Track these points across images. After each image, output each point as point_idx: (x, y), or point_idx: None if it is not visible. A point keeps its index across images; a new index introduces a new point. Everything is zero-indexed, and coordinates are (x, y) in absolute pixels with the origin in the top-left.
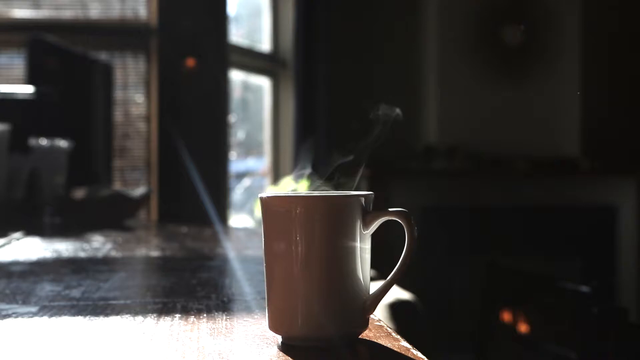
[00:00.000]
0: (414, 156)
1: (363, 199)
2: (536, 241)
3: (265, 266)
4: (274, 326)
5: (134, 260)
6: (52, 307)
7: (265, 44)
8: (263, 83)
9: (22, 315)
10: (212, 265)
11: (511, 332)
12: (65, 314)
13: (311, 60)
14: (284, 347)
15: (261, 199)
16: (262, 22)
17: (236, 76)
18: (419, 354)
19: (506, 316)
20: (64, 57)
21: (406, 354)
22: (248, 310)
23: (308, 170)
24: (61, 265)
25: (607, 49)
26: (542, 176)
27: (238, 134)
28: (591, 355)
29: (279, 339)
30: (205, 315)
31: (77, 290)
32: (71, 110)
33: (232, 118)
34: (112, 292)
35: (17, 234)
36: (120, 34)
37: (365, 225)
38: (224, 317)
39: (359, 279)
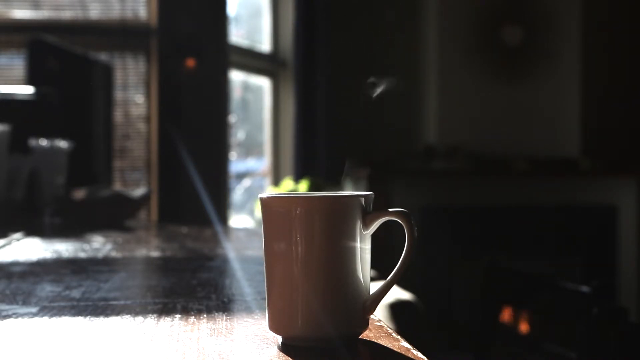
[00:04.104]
0: (414, 156)
1: (363, 199)
2: (536, 241)
3: (266, 266)
4: (274, 326)
5: (134, 260)
6: (53, 308)
7: (265, 44)
8: (263, 83)
9: (22, 315)
10: (212, 266)
11: (511, 332)
12: (65, 315)
13: (311, 60)
14: (284, 348)
15: (261, 199)
16: (262, 23)
17: (236, 76)
18: (419, 354)
19: (506, 316)
20: (64, 58)
21: (406, 354)
22: (248, 310)
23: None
24: (61, 266)
25: (607, 48)
26: (542, 176)
27: (238, 134)
28: (591, 355)
29: (279, 339)
30: (205, 315)
31: (77, 290)
32: (71, 110)
33: (232, 118)
34: (112, 292)
35: (17, 235)
36: (120, 35)
37: (365, 225)
38: (224, 318)
39: (359, 279)
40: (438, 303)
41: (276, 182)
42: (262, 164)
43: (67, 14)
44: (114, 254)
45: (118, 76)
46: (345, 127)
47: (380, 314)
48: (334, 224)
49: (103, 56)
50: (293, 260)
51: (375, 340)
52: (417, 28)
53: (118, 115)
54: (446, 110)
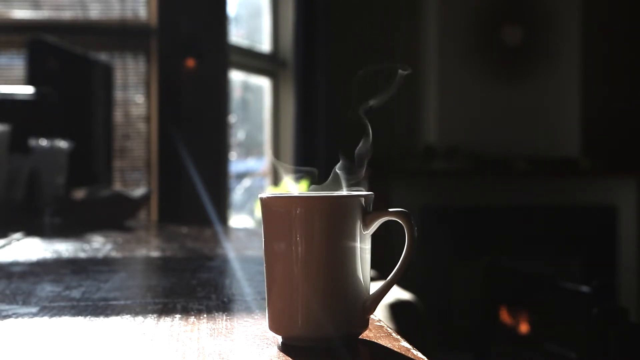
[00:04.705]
0: (414, 156)
1: (363, 199)
2: (536, 241)
3: (266, 266)
4: (274, 326)
5: (134, 260)
6: (53, 308)
7: (265, 45)
8: (263, 83)
9: (22, 315)
10: (212, 266)
11: (511, 332)
12: (65, 315)
13: (311, 60)
14: (284, 348)
15: (261, 199)
16: (262, 23)
17: (236, 76)
18: (419, 354)
19: (506, 316)
20: (64, 58)
21: (406, 354)
22: (248, 310)
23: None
24: (61, 266)
25: (607, 48)
26: (542, 176)
27: (238, 134)
28: (591, 355)
29: (279, 339)
30: (205, 315)
31: (77, 290)
32: (71, 110)
33: (232, 118)
34: (112, 292)
35: (17, 235)
36: (120, 35)
37: (365, 225)
38: (224, 318)
39: (359, 279)
40: (438, 303)
41: (276, 182)
42: (262, 164)
43: (67, 14)
44: (114, 254)
45: (118, 76)
46: (345, 127)
47: (380, 314)
48: (334, 224)
49: (103, 56)
50: (293, 260)
51: (375, 340)
52: (417, 28)
53: (118, 115)
54: (446, 110)
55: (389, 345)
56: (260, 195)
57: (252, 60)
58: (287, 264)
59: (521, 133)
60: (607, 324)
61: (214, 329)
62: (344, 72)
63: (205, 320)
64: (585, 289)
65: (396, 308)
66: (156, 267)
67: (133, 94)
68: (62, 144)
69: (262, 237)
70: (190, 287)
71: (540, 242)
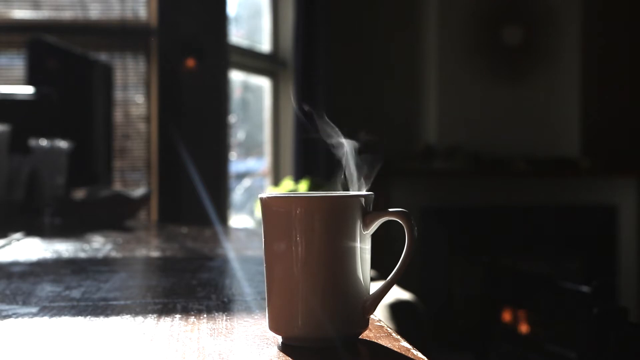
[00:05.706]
0: (414, 156)
1: (363, 199)
2: (536, 241)
3: (266, 267)
4: (274, 326)
5: (134, 260)
6: (53, 308)
7: (265, 45)
8: (263, 83)
9: (22, 315)
10: (212, 266)
11: (511, 332)
12: (65, 315)
13: (311, 60)
14: (284, 348)
15: (261, 199)
16: (262, 23)
17: (236, 76)
18: (419, 354)
19: (506, 316)
20: (64, 58)
21: (406, 354)
22: (248, 310)
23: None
24: (61, 266)
25: (606, 48)
26: (542, 176)
27: (238, 134)
28: (591, 355)
29: (279, 339)
30: (205, 315)
31: (77, 290)
32: (71, 110)
33: (232, 118)
34: (112, 292)
35: (17, 235)
36: (120, 35)
37: (365, 225)
38: (224, 318)
39: (359, 279)
40: (438, 303)
41: (276, 182)
42: (262, 164)
43: (67, 14)
44: (114, 254)
45: (118, 76)
46: (345, 126)
47: (380, 314)
48: (334, 224)
49: (103, 56)
50: (293, 260)
51: (375, 340)
52: (417, 28)
53: (118, 115)
54: (446, 110)
55: (389, 345)
56: (260, 195)
57: (252, 60)
58: (287, 264)
59: (521, 133)
60: (607, 324)
61: (214, 329)
62: (344, 72)
63: (205, 320)
64: (585, 289)
65: (396, 308)
66: (156, 267)
67: (133, 94)
68: (62, 144)
69: (262, 237)
70: (190, 287)
71: (540, 242)
